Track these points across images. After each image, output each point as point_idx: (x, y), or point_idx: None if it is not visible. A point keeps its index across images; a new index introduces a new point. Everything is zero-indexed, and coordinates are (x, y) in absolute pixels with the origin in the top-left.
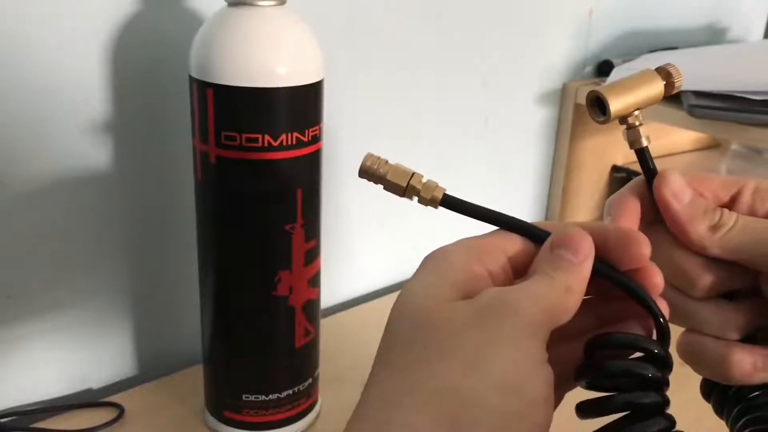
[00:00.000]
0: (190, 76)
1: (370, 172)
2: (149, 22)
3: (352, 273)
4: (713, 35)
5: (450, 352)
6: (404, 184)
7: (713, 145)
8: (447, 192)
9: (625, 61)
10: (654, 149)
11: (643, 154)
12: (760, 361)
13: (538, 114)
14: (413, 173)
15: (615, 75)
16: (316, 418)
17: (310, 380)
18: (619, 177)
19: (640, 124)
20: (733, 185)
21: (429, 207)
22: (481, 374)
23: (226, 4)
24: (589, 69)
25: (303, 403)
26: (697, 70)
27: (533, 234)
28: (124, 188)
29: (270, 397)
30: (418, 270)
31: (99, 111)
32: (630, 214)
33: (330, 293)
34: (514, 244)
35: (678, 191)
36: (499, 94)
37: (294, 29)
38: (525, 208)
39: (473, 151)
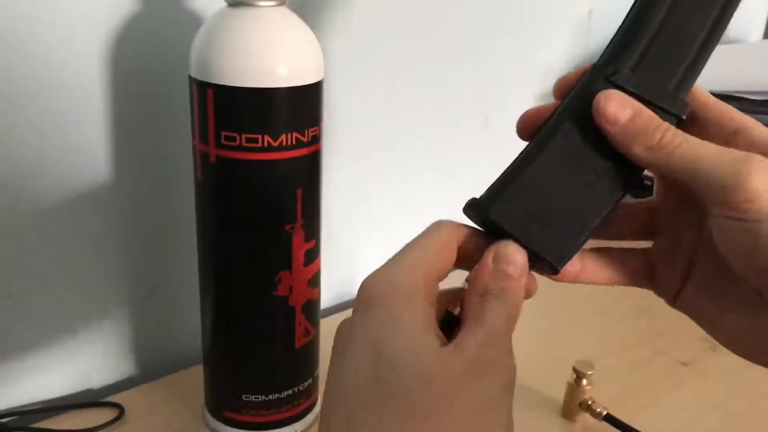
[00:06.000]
0: (190, 76)
1: None
2: (149, 22)
3: (352, 273)
4: None
5: (455, 410)
6: None
7: None
8: None
9: None
10: None
11: None
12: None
13: None
14: None
15: None
16: (316, 418)
17: (310, 380)
18: None
19: None
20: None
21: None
22: None
23: (226, 4)
24: None
25: (303, 402)
26: None
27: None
28: (124, 188)
29: (270, 397)
30: (382, 310)
31: (98, 111)
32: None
33: (330, 293)
34: (451, 254)
35: (612, 117)
36: (499, 94)
37: (294, 29)
38: None
39: (473, 151)
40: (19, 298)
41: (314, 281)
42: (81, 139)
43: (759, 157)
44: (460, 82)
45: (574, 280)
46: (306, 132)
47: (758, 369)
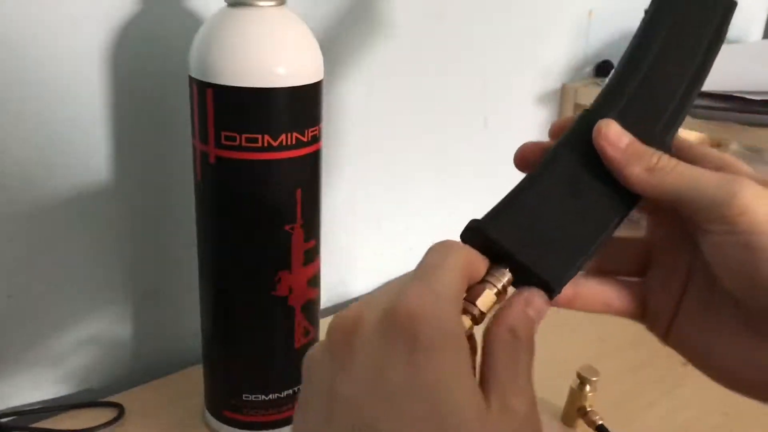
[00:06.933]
0: (190, 76)
1: None
2: (149, 22)
3: (351, 273)
4: None
5: None
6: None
7: (713, 145)
8: None
9: None
10: None
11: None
12: None
13: (537, 114)
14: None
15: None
16: None
17: None
18: None
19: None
20: None
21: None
22: None
23: (226, 4)
24: (588, 69)
25: None
26: None
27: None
28: (124, 188)
29: (270, 397)
30: (440, 357)
31: (99, 111)
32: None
33: (326, 294)
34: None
35: (613, 140)
36: (498, 94)
37: (294, 29)
38: None
39: (473, 151)
40: (19, 298)
41: (314, 281)
42: (81, 139)
43: (747, 177)
44: (460, 83)
45: (567, 306)
46: (306, 132)
47: None
